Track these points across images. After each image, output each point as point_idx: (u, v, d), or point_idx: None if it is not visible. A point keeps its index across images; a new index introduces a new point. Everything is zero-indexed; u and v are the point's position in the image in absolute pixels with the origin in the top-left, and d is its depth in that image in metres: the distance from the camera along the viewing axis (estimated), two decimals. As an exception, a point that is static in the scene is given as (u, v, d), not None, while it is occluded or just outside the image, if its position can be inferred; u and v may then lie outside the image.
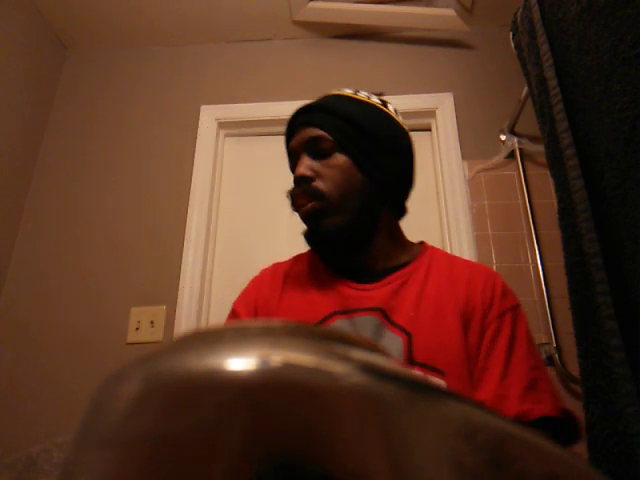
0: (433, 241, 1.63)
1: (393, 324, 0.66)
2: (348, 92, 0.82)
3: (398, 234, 0.82)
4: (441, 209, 1.66)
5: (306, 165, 0.73)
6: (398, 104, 1.82)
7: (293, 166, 0.78)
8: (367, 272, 0.74)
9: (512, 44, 1.04)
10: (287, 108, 1.78)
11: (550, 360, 1.38)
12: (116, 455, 0.15)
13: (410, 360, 0.63)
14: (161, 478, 0.14)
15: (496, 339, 0.66)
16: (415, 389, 0.17)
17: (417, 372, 0.61)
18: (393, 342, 0.64)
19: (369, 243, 0.76)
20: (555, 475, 0.18)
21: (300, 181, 0.73)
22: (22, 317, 1.59)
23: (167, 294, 1.56)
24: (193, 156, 1.77)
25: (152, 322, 1.53)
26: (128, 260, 1.64)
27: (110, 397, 0.17)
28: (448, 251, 1.58)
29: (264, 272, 0.83)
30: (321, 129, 0.75)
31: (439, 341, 0.65)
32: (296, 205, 0.74)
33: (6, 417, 1.43)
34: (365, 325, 0.67)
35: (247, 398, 0.15)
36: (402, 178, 0.80)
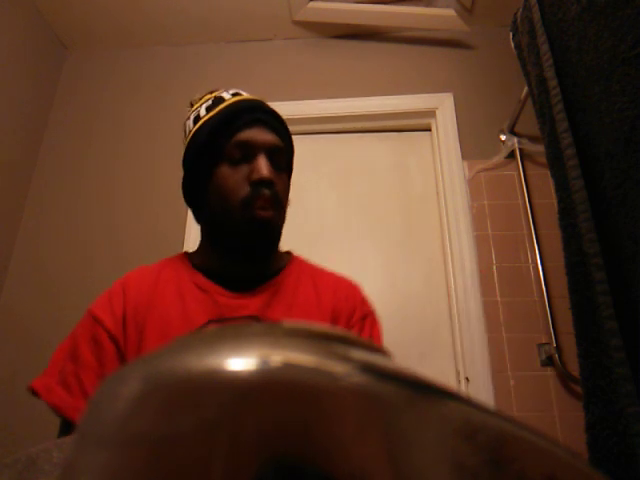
0: (433, 241, 1.65)
1: None
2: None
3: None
4: (441, 209, 1.66)
5: (271, 170, 0.71)
6: (398, 104, 1.85)
7: (241, 158, 0.72)
8: (241, 280, 0.74)
9: (512, 44, 1.04)
10: (287, 108, 1.79)
11: (550, 360, 1.38)
12: (116, 455, 0.15)
13: None
14: (161, 478, 0.14)
15: None
16: (415, 389, 0.17)
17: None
18: None
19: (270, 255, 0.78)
20: (555, 475, 0.18)
21: (267, 184, 0.70)
22: (23, 316, 1.59)
23: (167, 294, 1.56)
24: (193, 156, 1.77)
25: (152, 322, 1.53)
26: (128, 260, 1.64)
27: (110, 397, 0.17)
28: (448, 251, 1.58)
29: (129, 276, 0.75)
30: (282, 142, 0.75)
31: None
32: (256, 206, 0.69)
33: (7, 417, 1.43)
34: None
35: (247, 398, 0.15)
36: None
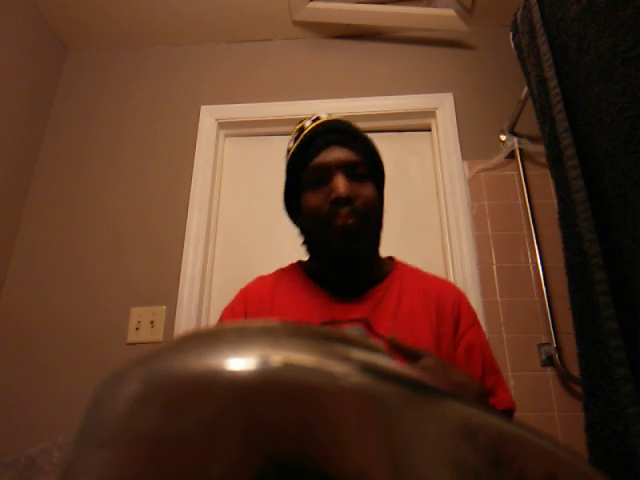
0: (433, 241, 1.65)
1: (375, 333, 0.72)
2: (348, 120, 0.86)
3: (379, 252, 0.87)
4: (441, 209, 1.66)
5: (347, 186, 0.76)
6: (398, 104, 1.85)
7: (319, 180, 0.78)
8: (350, 286, 0.80)
9: (512, 44, 1.04)
10: (287, 108, 1.79)
11: (550, 360, 1.38)
12: (116, 455, 0.15)
13: None
14: (161, 478, 0.14)
15: (471, 350, 0.76)
16: (415, 389, 0.17)
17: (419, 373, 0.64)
18: None
19: (369, 262, 0.82)
20: (555, 475, 0.18)
21: (345, 201, 0.75)
22: (22, 317, 1.59)
23: (167, 294, 1.56)
24: (193, 156, 1.77)
25: (152, 322, 1.53)
26: (128, 260, 1.64)
27: (110, 397, 0.17)
28: (448, 251, 1.58)
29: (251, 285, 0.85)
30: (357, 154, 0.79)
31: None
32: (336, 221, 0.75)
33: (6, 417, 1.43)
34: None
35: (247, 398, 0.15)
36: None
